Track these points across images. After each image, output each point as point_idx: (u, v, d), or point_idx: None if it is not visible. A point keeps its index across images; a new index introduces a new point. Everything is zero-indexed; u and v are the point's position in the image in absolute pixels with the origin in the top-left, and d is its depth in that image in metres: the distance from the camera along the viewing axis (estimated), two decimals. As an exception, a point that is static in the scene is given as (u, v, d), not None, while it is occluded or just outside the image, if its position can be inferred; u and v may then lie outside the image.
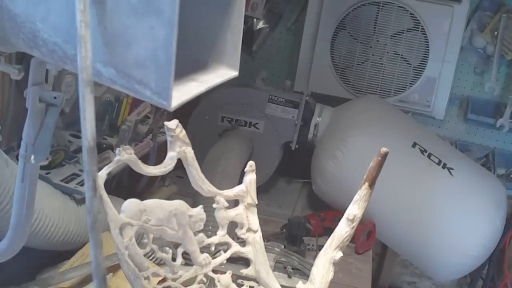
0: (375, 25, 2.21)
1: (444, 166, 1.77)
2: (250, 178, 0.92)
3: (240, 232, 0.93)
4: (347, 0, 2.20)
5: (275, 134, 1.99)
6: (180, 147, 0.81)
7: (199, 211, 0.84)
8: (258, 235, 0.94)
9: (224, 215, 0.90)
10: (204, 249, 0.89)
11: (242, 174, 0.95)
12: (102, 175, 0.76)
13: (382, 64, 2.25)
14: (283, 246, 1.60)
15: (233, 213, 0.91)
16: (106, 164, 0.76)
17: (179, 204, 0.82)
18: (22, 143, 0.76)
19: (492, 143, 2.42)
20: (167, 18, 0.53)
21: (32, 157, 0.75)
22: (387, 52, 2.23)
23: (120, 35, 0.56)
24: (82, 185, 1.26)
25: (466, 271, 1.85)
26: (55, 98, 0.75)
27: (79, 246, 1.28)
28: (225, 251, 0.93)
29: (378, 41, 2.23)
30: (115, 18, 0.56)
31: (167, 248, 0.87)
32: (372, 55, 2.25)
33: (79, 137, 1.47)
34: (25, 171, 0.77)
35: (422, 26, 2.18)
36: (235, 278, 1.14)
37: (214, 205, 0.89)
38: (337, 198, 1.82)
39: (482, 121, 2.36)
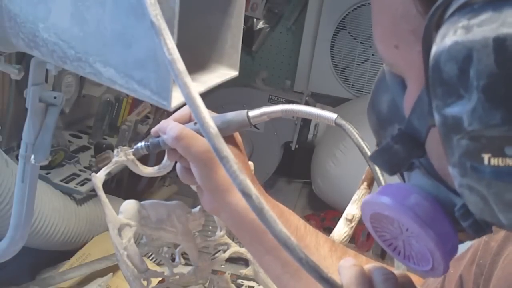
0: (375, 25, 2.21)
1: (444, 166, 1.77)
2: (249, 178, 0.92)
3: (239, 233, 0.92)
4: (347, 0, 2.20)
5: (275, 134, 1.99)
6: (179, 147, 0.81)
7: (198, 211, 0.84)
8: (258, 235, 0.94)
9: (223, 215, 0.90)
10: (204, 249, 0.89)
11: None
12: (100, 176, 0.76)
13: (382, 64, 2.24)
14: (283, 246, 1.60)
15: (232, 213, 0.91)
16: (106, 164, 0.76)
17: (178, 205, 0.82)
18: (22, 143, 0.76)
19: (492, 143, 2.42)
20: (167, 18, 0.53)
21: (32, 157, 0.75)
22: (387, 52, 2.23)
23: (120, 35, 0.56)
24: (82, 185, 1.26)
25: (466, 271, 1.85)
26: (55, 98, 0.74)
27: (79, 246, 1.29)
28: (224, 252, 0.93)
29: (378, 41, 2.23)
30: (115, 18, 0.56)
31: (166, 249, 0.87)
32: (372, 55, 2.25)
33: (79, 137, 1.47)
34: (25, 171, 0.77)
35: (422, 26, 2.18)
36: (235, 278, 1.14)
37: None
38: (337, 198, 1.82)
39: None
